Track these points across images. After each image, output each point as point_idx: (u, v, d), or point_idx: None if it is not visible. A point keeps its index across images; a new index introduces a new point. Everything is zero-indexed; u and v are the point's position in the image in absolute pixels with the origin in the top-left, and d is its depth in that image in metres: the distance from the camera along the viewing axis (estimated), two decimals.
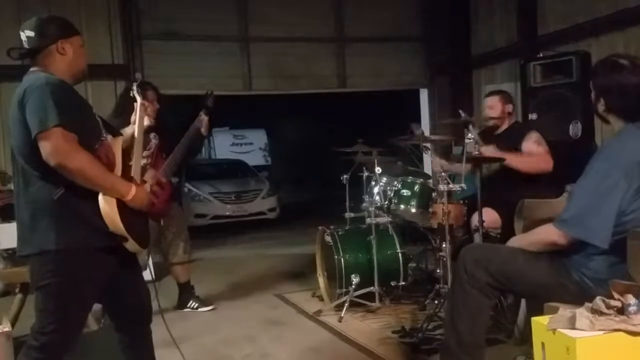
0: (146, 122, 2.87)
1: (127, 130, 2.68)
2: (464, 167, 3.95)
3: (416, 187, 4.29)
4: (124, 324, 2.67)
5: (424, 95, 9.20)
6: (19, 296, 3.96)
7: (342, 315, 4.28)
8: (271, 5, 8.23)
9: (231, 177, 11.26)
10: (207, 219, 9.98)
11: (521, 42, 7.36)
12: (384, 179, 4.46)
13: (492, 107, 4.45)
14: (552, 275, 2.52)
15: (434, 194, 4.20)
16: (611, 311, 2.02)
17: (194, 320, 4.56)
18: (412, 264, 5.00)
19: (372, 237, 4.44)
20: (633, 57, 2.54)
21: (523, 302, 3.29)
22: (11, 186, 4.37)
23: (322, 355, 3.74)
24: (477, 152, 3.80)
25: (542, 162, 4.19)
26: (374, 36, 8.70)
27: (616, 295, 2.07)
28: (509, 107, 4.46)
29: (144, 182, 2.61)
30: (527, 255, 2.61)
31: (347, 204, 5.01)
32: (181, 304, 4.81)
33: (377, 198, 4.45)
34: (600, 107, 2.54)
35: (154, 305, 2.76)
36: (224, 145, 18.77)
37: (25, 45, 2.44)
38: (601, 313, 2.02)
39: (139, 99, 2.74)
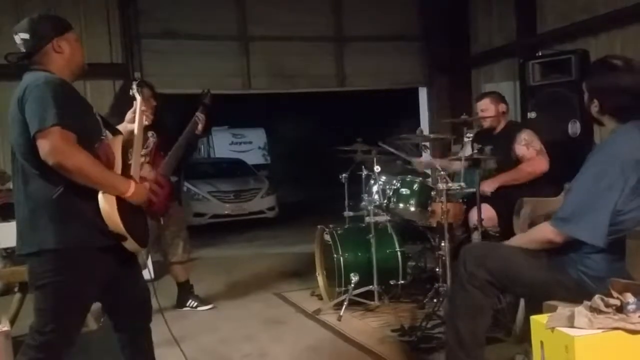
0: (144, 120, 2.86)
1: (123, 128, 2.67)
2: (462, 166, 3.95)
3: (415, 186, 4.28)
4: (123, 323, 2.67)
5: (423, 94, 9.20)
6: (18, 295, 3.96)
7: (341, 314, 4.28)
8: (270, 4, 8.23)
9: (230, 176, 11.22)
10: (206, 218, 9.97)
11: (520, 41, 7.36)
12: (383, 178, 4.46)
13: (485, 109, 4.47)
14: (550, 274, 2.52)
15: (433, 193, 4.21)
16: (610, 309, 2.02)
17: (193, 319, 4.55)
18: (411, 263, 4.99)
19: (371, 235, 4.44)
20: (627, 58, 2.53)
21: (522, 300, 3.29)
22: (10, 185, 4.39)
23: (321, 354, 3.74)
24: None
25: (535, 166, 4.19)
26: (372, 35, 8.70)
27: (615, 294, 2.07)
28: (503, 107, 4.48)
29: (143, 179, 2.61)
30: (526, 253, 2.60)
31: (346, 202, 5.01)
32: (180, 303, 4.81)
33: (376, 197, 4.44)
34: (594, 108, 2.53)
35: (153, 304, 2.75)
36: (223, 144, 18.77)
37: (22, 48, 2.43)
38: (600, 311, 2.02)
39: (138, 98, 2.73)
